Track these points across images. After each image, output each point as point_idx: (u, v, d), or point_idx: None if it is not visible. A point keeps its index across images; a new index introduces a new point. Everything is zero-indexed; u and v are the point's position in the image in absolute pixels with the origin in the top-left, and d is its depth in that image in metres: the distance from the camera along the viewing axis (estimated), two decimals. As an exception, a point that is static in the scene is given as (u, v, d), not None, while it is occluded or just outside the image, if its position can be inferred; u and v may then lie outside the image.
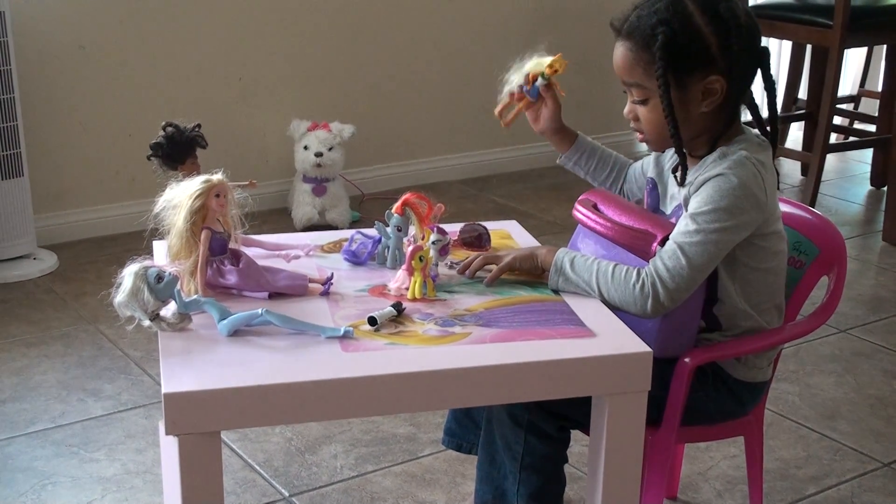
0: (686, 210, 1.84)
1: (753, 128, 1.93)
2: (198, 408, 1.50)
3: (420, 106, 4.62)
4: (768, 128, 1.92)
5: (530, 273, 1.89)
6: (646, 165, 2.08)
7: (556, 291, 1.85)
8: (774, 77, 1.92)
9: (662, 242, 1.81)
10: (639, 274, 1.78)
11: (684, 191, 1.87)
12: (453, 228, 2.04)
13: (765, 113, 1.94)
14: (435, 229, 1.91)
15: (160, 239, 1.85)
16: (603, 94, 5.01)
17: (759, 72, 1.88)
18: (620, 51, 1.88)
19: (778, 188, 1.90)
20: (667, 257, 1.78)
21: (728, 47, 1.82)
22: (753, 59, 1.87)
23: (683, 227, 1.80)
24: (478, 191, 4.44)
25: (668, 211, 1.95)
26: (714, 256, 1.80)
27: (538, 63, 2.05)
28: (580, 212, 1.93)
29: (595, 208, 1.93)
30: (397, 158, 4.62)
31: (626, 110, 1.92)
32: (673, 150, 1.93)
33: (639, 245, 1.83)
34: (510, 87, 2.10)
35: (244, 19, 4.15)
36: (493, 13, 4.68)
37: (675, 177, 1.92)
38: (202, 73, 4.11)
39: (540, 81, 2.04)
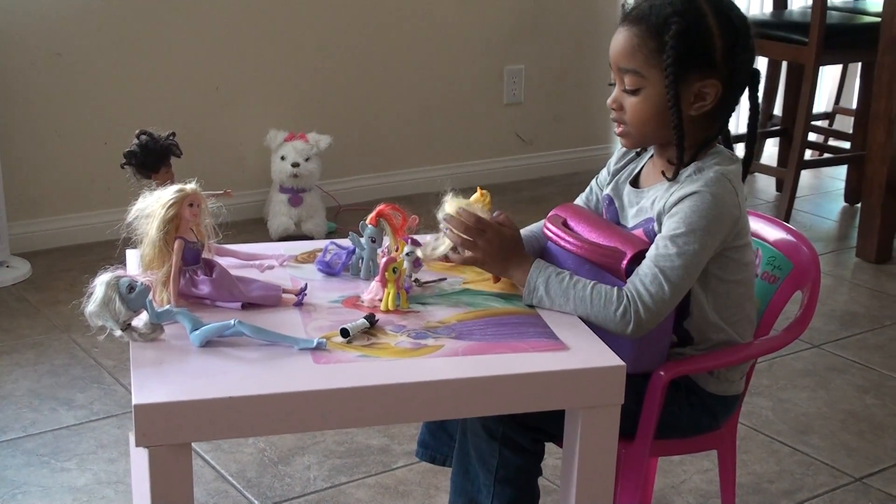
0: (660, 223, 1.83)
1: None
2: (168, 419, 1.48)
3: (397, 118, 4.62)
4: (744, 147, 1.93)
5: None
6: (600, 182, 2.07)
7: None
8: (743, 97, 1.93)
9: (632, 260, 1.80)
10: (619, 298, 1.76)
11: (659, 203, 1.86)
12: (428, 240, 2.03)
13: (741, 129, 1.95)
14: (409, 241, 1.91)
15: (133, 248, 1.84)
16: (580, 108, 5.02)
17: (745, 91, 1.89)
18: (624, 35, 1.84)
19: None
20: (648, 282, 1.77)
21: (732, 56, 1.83)
22: (748, 75, 1.88)
23: (663, 249, 1.79)
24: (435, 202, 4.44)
25: (630, 224, 1.94)
26: (693, 276, 1.81)
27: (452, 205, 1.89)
28: (549, 230, 1.92)
29: (565, 225, 1.92)
30: (374, 169, 4.61)
31: (610, 99, 1.88)
32: (632, 159, 1.97)
33: (608, 263, 1.81)
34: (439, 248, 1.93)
35: (222, 29, 4.14)
36: (472, 26, 4.69)
37: (662, 176, 1.89)
38: (179, 82, 4.09)
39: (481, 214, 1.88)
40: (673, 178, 1.86)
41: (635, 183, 1.98)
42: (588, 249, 1.84)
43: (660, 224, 1.84)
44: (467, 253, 1.88)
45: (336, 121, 4.41)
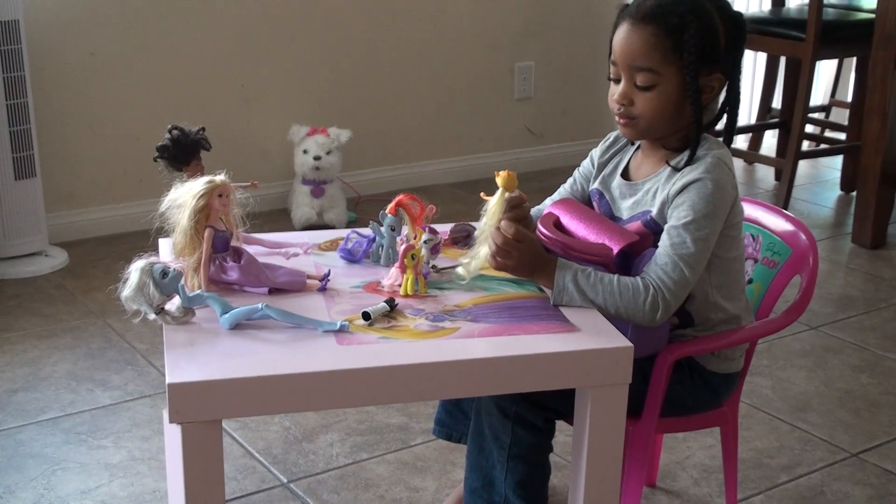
0: (663, 212, 1.83)
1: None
2: (200, 397, 1.49)
3: (413, 113, 4.62)
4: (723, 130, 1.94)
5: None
6: (584, 172, 2.06)
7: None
8: (743, 89, 1.93)
9: (620, 255, 1.80)
10: (646, 288, 1.76)
11: (661, 194, 1.85)
12: (444, 228, 2.04)
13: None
14: (427, 229, 1.91)
15: (165, 237, 1.84)
16: (587, 102, 5.01)
17: None
18: (638, 35, 1.82)
19: None
20: (670, 270, 1.77)
21: (734, 50, 1.85)
22: (740, 66, 1.91)
23: (677, 238, 1.79)
24: (468, 193, 4.44)
25: (624, 216, 1.93)
26: (706, 258, 1.82)
27: (493, 214, 1.81)
28: (542, 233, 1.89)
29: (557, 224, 1.90)
30: (392, 162, 4.61)
31: (618, 95, 1.86)
32: (616, 151, 1.99)
33: (597, 261, 1.81)
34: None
35: (246, 28, 4.14)
36: (483, 25, 4.68)
37: (665, 164, 1.87)
38: (206, 80, 4.10)
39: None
40: (687, 164, 1.85)
41: (626, 175, 1.97)
42: (577, 248, 1.82)
43: (662, 213, 1.85)
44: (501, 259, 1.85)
45: (356, 116, 4.41)
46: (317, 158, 4.04)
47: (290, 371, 1.53)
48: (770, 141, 5.24)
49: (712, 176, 1.81)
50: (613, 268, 1.80)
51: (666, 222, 1.84)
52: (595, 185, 2.01)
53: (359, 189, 4.44)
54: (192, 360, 1.55)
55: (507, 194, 1.80)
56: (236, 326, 1.65)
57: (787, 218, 2.09)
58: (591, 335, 1.68)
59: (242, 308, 1.66)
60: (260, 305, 1.65)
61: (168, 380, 1.49)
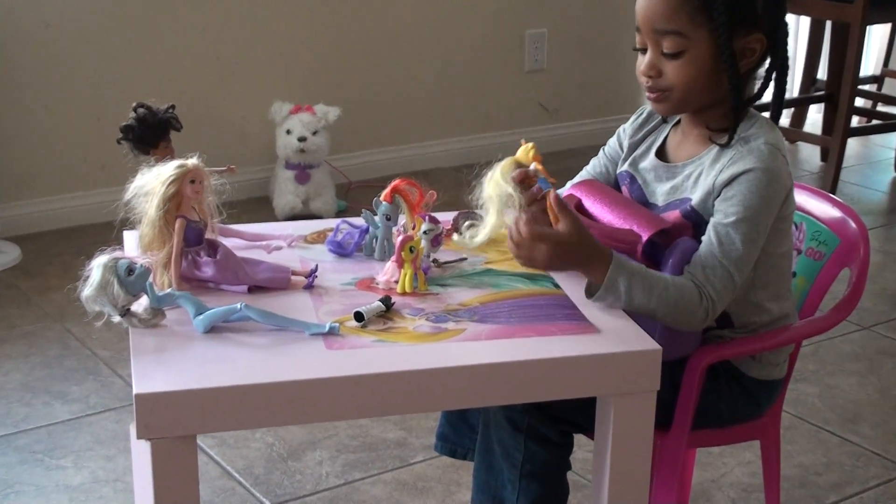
0: (705, 202, 1.83)
1: None
2: (172, 410, 1.49)
3: (411, 87, 4.62)
4: (772, 107, 1.93)
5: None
6: (610, 153, 2.06)
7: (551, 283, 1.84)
8: (791, 55, 1.92)
9: (649, 243, 1.80)
10: (700, 295, 1.77)
11: (705, 182, 1.84)
12: (446, 217, 2.04)
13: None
14: (426, 218, 1.91)
15: (131, 229, 1.84)
16: (607, 74, 5.01)
17: None
18: None
19: None
20: (718, 275, 1.78)
21: (775, 6, 1.84)
22: (786, 27, 1.89)
23: (726, 238, 1.79)
24: (474, 178, 4.44)
25: (660, 203, 1.93)
26: (755, 258, 1.83)
27: (505, 169, 1.81)
28: None
29: (579, 207, 1.90)
30: (387, 143, 4.61)
31: (645, 66, 1.86)
32: (650, 129, 1.98)
33: (623, 248, 1.81)
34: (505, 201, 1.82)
35: (221, -7, 4.14)
36: (489, -13, 4.68)
37: (710, 142, 1.87)
38: (177, 52, 4.10)
39: (538, 172, 1.79)
40: (727, 144, 1.84)
41: (662, 156, 1.98)
42: (600, 235, 1.82)
43: (705, 203, 1.84)
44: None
45: (345, 91, 4.41)
46: (302, 140, 4.05)
47: (274, 380, 1.53)
48: (815, 117, 5.24)
49: (766, 166, 1.81)
50: (641, 258, 1.80)
51: (709, 214, 1.84)
52: (624, 168, 2.01)
53: (349, 174, 4.44)
54: (162, 369, 1.55)
55: (515, 167, 1.79)
56: (212, 329, 1.66)
57: (835, 203, 2.09)
58: (614, 337, 1.68)
59: (219, 309, 1.66)
60: (238, 306, 1.65)
61: (135, 390, 1.49)
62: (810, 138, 4.72)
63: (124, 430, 2.68)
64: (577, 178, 2.07)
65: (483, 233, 1.82)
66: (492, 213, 1.80)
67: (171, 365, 1.56)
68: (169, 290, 1.69)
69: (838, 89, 4.44)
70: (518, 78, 4.85)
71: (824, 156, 4.78)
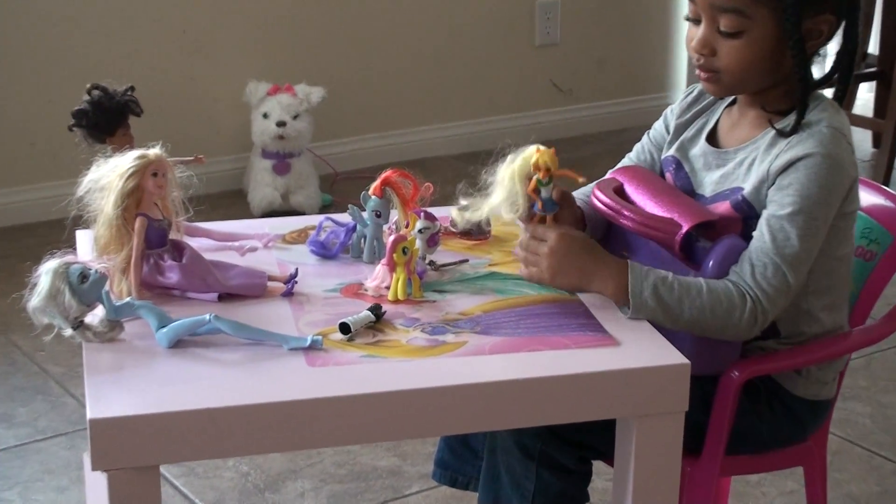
0: (759, 192, 1.83)
1: None
2: (131, 436, 1.49)
3: (406, 64, 4.62)
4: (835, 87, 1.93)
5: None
6: (655, 137, 2.06)
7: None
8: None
9: (688, 234, 1.80)
10: (742, 299, 1.76)
11: (759, 168, 1.84)
12: (445, 214, 2.04)
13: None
14: (422, 215, 1.91)
15: (85, 228, 1.84)
16: (630, 48, 5.01)
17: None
18: None
19: None
20: (770, 274, 1.78)
21: None
22: (857, 3, 1.89)
23: (780, 233, 1.79)
24: (476, 168, 4.44)
25: (707, 193, 1.93)
26: (813, 256, 1.82)
27: (525, 164, 1.80)
28: (598, 199, 1.90)
29: (619, 192, 1.91)
30: (378, 129, 4.61)
31: (698, 43, 1.86)
32: (701, 110, 1.98)
33: (659, 237, 1.81)
34: (513, 213, 1.83)
35: (188, -42, 4.14)
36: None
37: (769, 126, 1.86)
38: (137, 25, 4.10)
39: (544, 194, 1.81)
40: (792, 132, 1.84)
41: (713, 141, 1.98)
42: (641, 221, 1.83)
43: (758, 193, 1.84)
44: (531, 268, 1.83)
45: (331, 69, 4.41)
46: (280, 124, 4.04)
47: (248, 402, 1.52)
48: (865, 97, 5.24)
49: (828, 151, 1.81)
50: (676, 252, 1.80)
51: (762, 206, 1.84)
52: (671, 152, 2.01)
53: (335, 164, 4.44)
54: (120, 389, 1.55)
55: (533, 170, 1.79)
56: (177, 344, 1.65)
57: (888, 196, 2.09)
58: (636, 349, 1.68)
59: (185, 320, 1.65)
60: (207, 316, 1.65)
61: (90, 414, 1.49)
62: (861, 121, 4.71)
63: (77, 458, 2.67)
64: (619, 166, 2.07)
65: (485, 207, 1.82)
66: (496, 194, 1.81)
67: (130, 385, 1.56)
68: (128, 300, 1.68)
69: (891, 66, 4.44)
70: (528, 53, 4.85)
71: (876, 142, 4.78)
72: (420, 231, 1.88)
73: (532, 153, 1.79)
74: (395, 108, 4.63)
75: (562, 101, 4.96)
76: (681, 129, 2.02)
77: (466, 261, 1.95)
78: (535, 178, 1.79)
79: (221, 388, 1.55)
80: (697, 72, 1.89)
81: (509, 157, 1.81)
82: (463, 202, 1.89)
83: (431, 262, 1.92)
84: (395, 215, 1.96)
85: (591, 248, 1.83)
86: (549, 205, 1.80)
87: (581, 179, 1.82)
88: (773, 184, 1.82)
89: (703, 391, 1.81)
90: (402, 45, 4.59)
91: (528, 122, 4.82)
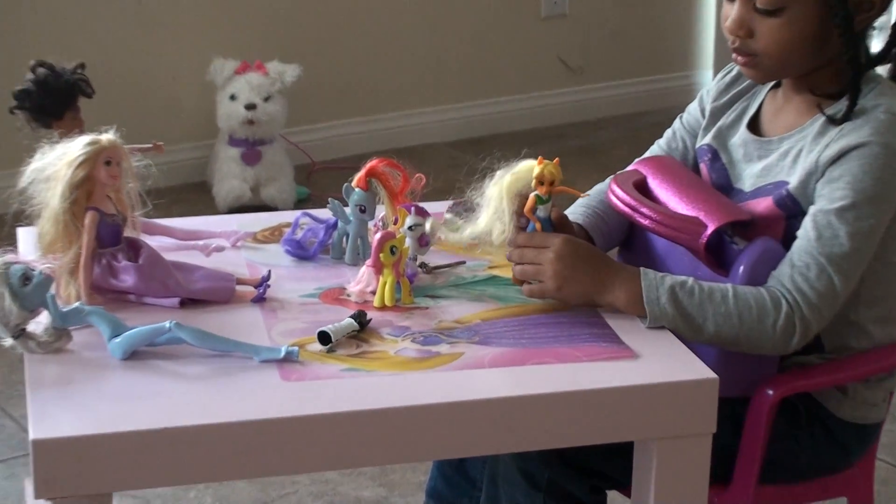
0: (805, 186, 1.84)
1: None
2: (80, 461, 1.49)
3: (394, 39, 4.62)
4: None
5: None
6: (688, 122, 2.07)
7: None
8: None
9: (717, 235, 1.80)
10: (776, 305, 1.76)
11: (808, 159, 1.85)
12: (438, 208, 2.04)
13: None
14: (412, 210, 1.91)
15: (28, 224, 1.84)
16: (644, 21, 5.01)
17: None
18: None
19: None
20: (814, 276, 1.77)
21: None
22: None
23: (827, 230, 1.79)
24: (472, 156, 4.44)
25: (747, 187, 1.94)
26: (866, 260, 1.82)
27: (516, 180, 1.82)
28: (616, 194, 1.90)
29: (640, 187, 1.91)
30: (361, 112, 4.62)
31: (733, 23, 1.87)
32: (740, 93, 1.99)
33: (682, 238, 1.82)
34: (500, 234, 1.85)
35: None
36: None
37: (830, 118, 1.86)
38: (86, -7, 4.10)
39: (542, 212, 1.82)
40: (844, 118, 1.84)
41: (755, 128, 1.99)
42: (652, 219, 1.83)
43: (805, 188, 1.84)
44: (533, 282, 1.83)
45: (307, 44, 4.41)
46: (250, 107, 4.05)
47: (212, 421, 1.53)
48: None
49: (885, 140, 1.81)
50: (702, 255, 1.81)
51: (810, 202, 1.84)
52: (706, 140, 2.02)
53: (312, 152, 4.44)
54: (67, 407, 1.55)
55: (534, 185, 1.80)
56: (132, 355, 1.66)
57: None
58: (657, 362, 1.68)
59: (142, 329, 1.66)
60: (167, 324, 1.65)
61: (32, 435, 1.49)
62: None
63: (17, 487, 2.67)
64: (645, 155, 2.07)
65: (468, 230, 1.84)
66: (484, 216, 1.82)
67: (79, 402, 1.56)
68: (76, 305, 1.69)
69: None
70: (532, 26, 4.86)
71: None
72: (410, 228, 1.88)
73: (530, 168, 1.80)
74: (381, 88, 4.63)
75: (571, 81, 4.96)
76: (718, 113, 2.02)
77: (463, 262, 1.95)
78: (534, 194, 1.79)
79: (183, 405, 1.56)
80: (734, 55, 1.90)
81: (498, 173, 1.82)
82: (447, 215, 1.89)
83: (423, 264, 1.93)
84: (381, 210, 1.96)
85: (600, 255, 1.84)
86: (547, 226, 1.81)
87: (583, 195, 1.82)
88: (823, 176, 1.82)
89: (734, 411, 1.82)
90: (389, 17, 4.60)
91: (532, 104, 4.83)
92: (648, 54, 5.04)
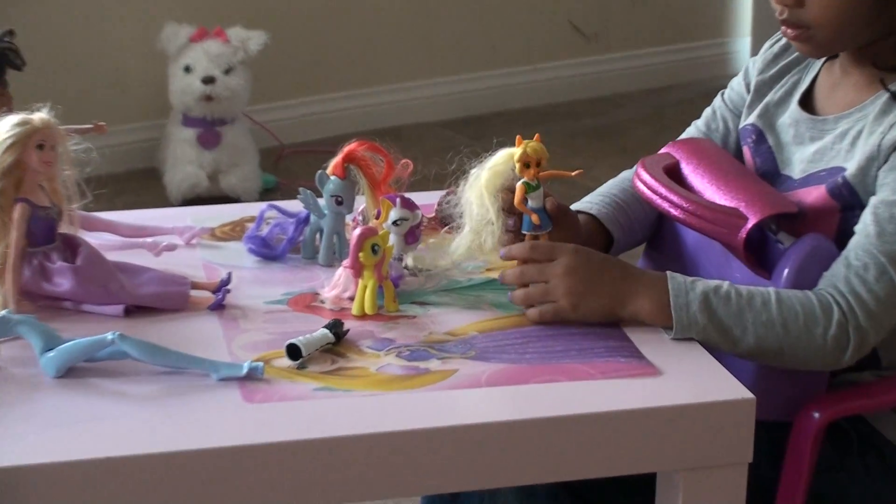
0: (865, 173, 1.84)
1: None
2: (7, 494, 1.49)
3: (375, 3, 4.62)
4: None
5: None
6: (731, 99, 2.07)
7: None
8: None
9: (758, 230, 1.80)
10: (826, 311, 1.76)
11: (868, 142, 1.85)
12: (428, 200, 2.04)
13: None
14: (398, 201, 1.91)
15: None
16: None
17: None
18: None
19: None
20: (872, 277, 1.78)
21: None
22: None
23: (890, 226, 1.79)
24: (469, 138, 4.45)
25: (796, 173, 1.94)
26: None
27: (495, 175, 1.84)
28: (643, 180, 1.91)
29: (671, 172, 1.91)
30: (338, 87, 4.63)
31: None
32: (790, 65, 2.01)
33: (718, 232, 1.82)
34: (484, 235, 1.88)
35: None
36: None
37: (881, 86, 1.88)
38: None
39: (534, 202, 1.82)
40: None
41: (808, 106, 1.99)
42: (694, 212, 1.84)
43: (864, 176, 1.85)
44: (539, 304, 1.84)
45: (275, 7, 4.42)
46: (208, 81, 4.05)
47: (163, 449, 1.53)
48: None
49: None
50: (741, 253, 1.81)
51: (870, 192, 1.85)
52: (751, 120, 2.03)
53: (280, 134, 4.45)
54: (-8, 432, 1.56)
55: (519, 171, 1.80)
56: (68, 372, 1.66)
57: None
58: (684, 380, 1.69)
59: (80, 341, 1.66)
60: (110, 336, 1.65)
61: (-48, 465, 1.50)
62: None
63: (-63, 525, 2.68)
64: (681, 137, 2.08)
65: (462, 247, 1.87)
66: (468, 226, 1.85)
67: (5, 427, 1.56)
68: (3, 313, 1.69)
69: None
70: (539, -13, 4.88)
71: None
72: (395, 223, 1.89)
73: (508, 156, 1.81)
74: (362, 59, 4.64)
75: (585, 50, 4.98)
76: (764, 88, 2.03)
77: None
78: (521, 182, 1.79)
79: (128, 431, 1.56)
80: (783, 28, 1.90)
81: (472, 173, 1.84)
82: (439, 208, 1.90)
83: (409, 266, 1.93)
84: (361, 202, 1.97)
85: (616, 261, 1.85)
86: (544, 218, 1.81)
87: (574, 174, 1.83)
88: (886, 162, 1.83)
89: (773, 436, 1.82)
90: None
91: (541, 76, 4.84)
92: (673, 19, 5.06)
